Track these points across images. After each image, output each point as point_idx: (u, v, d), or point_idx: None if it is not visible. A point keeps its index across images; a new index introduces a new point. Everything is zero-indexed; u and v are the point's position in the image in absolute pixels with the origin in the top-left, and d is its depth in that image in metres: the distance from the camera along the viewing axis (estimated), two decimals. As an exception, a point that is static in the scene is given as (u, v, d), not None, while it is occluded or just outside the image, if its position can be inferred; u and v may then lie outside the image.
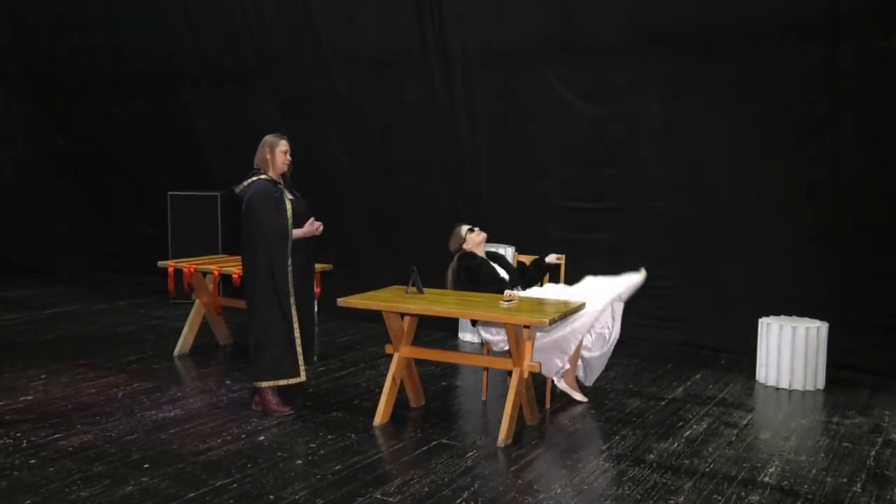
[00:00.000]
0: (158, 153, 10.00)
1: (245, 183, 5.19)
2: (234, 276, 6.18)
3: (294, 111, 8.79)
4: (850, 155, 6.33)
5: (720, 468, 4.45)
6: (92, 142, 10.53)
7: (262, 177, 5.17)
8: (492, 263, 5.72)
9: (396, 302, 5.00)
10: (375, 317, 5.28)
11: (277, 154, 5.19)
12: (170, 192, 9.11)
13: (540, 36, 7.36)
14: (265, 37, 8.81)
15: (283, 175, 5.26)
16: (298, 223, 5.18)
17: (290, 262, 5.09)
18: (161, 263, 6.82)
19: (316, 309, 5.52)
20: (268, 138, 5.27)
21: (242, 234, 5.17)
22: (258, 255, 5.07)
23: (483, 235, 5.76)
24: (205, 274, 6.68)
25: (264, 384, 5.18)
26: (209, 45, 9.23)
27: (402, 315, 5.10)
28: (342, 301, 5.06)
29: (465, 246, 5.70)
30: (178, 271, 6.63)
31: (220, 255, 7.87)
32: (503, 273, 5.69)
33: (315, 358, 5.69)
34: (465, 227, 5.75)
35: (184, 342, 6.74)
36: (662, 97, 6.94)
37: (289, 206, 5.14)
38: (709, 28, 6.67)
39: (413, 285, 5.21)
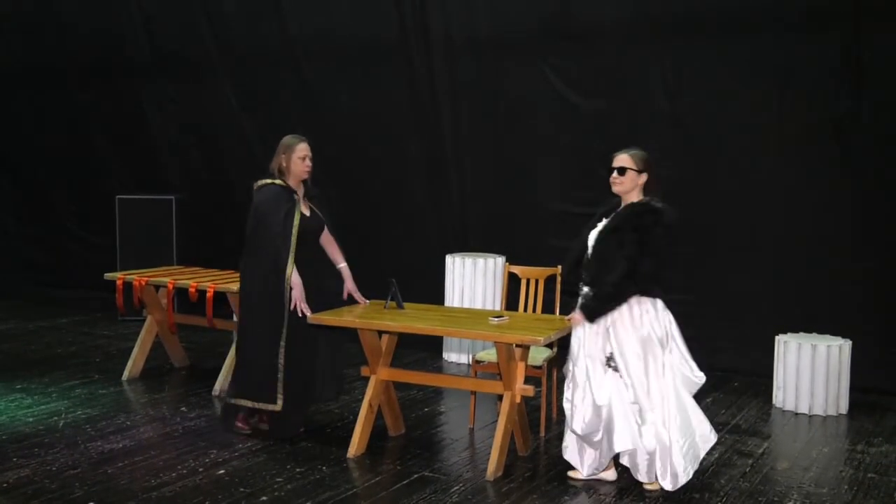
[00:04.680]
0: (105, 152, 9.96)
1: (259, 183, 5.23)
2: (191, 289, 6.18)
3: (257, 105, 8.79)
4: (875, 156, 6.41)
5: (734, 502, 4.49)
6: (28, 139, 10.48)
7: (277, 181, 5.18)
8: None
9: (373, 318, 5.01)
10: (350, 335, 5.29)
11: (294, 160, 5.16)
12: (118, 196, 9.08)
13: (532, 21, 7.40)
14: (225, 22, 8.81)
15: (303, 182, 5.27)
16: (308, 241, 5.20)
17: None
18: (108, 276, 6.79)
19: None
20: (285, 140, 5.22)
21: (245, 240, 5.25)
22: (254, 265, 5.15)
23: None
24: (158, 287, 6.66)
25: (233, 401, 5.28)
26: (162, 30, 9.22)
27: (380, 333, 5.11)
28: (312, 318, 5.07)
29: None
30: (127, 284, 6.60)
31: (175, 267, 7.85)
32: None
33: (337, 394, 5.72)
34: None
35: (133, 364, 6.71)
36: (669, 90, 7.00)
37: (297, 220, 5.12)
38: (722, 13, 6.73)
39: (392, 299, 5.23)
